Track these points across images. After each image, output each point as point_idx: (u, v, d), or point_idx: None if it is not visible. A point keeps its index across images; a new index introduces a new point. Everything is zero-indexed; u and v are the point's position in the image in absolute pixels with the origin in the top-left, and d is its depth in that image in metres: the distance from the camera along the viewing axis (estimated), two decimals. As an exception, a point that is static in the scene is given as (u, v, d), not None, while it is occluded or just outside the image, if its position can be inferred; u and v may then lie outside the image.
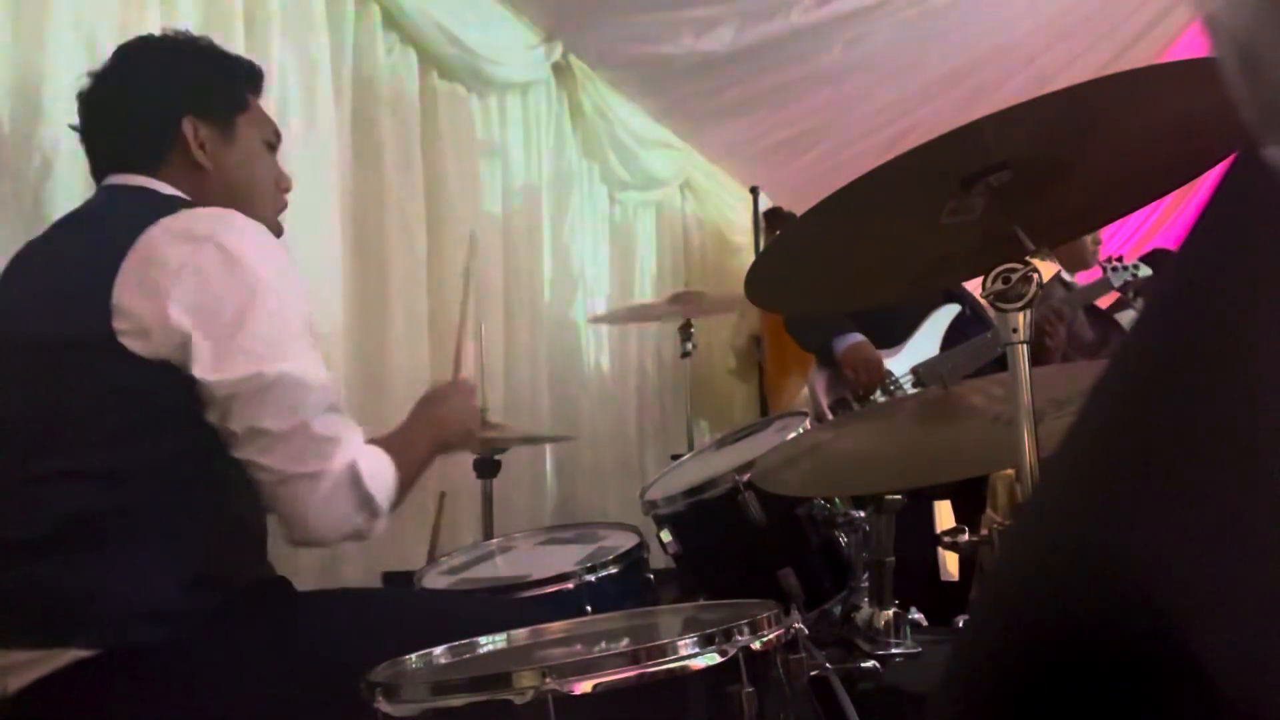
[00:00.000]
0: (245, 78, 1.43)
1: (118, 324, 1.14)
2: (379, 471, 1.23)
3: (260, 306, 1.18)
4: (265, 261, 1.21)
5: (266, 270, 1.20)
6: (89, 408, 1.15)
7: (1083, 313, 3.01)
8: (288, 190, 1.48)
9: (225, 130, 1.37)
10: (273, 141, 1.45)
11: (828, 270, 1.21)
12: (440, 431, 1.45)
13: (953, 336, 2.79)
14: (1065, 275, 3.22)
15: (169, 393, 1.15)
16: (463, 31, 2.59)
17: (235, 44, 1.89)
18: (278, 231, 1.45)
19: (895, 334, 2.78)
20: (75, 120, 1.35)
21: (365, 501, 1.21)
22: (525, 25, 2.95)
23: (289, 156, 2.01)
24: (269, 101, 1.96)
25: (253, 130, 1.41)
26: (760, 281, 1.20)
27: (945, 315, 2.83)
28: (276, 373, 1.17)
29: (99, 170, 1.34)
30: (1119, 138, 1.02)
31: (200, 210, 1.25)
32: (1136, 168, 1.09)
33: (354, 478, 1.20)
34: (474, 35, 2.64)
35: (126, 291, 1.14)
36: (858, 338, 2.71)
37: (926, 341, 2.80)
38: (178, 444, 1.17)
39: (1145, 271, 2.95)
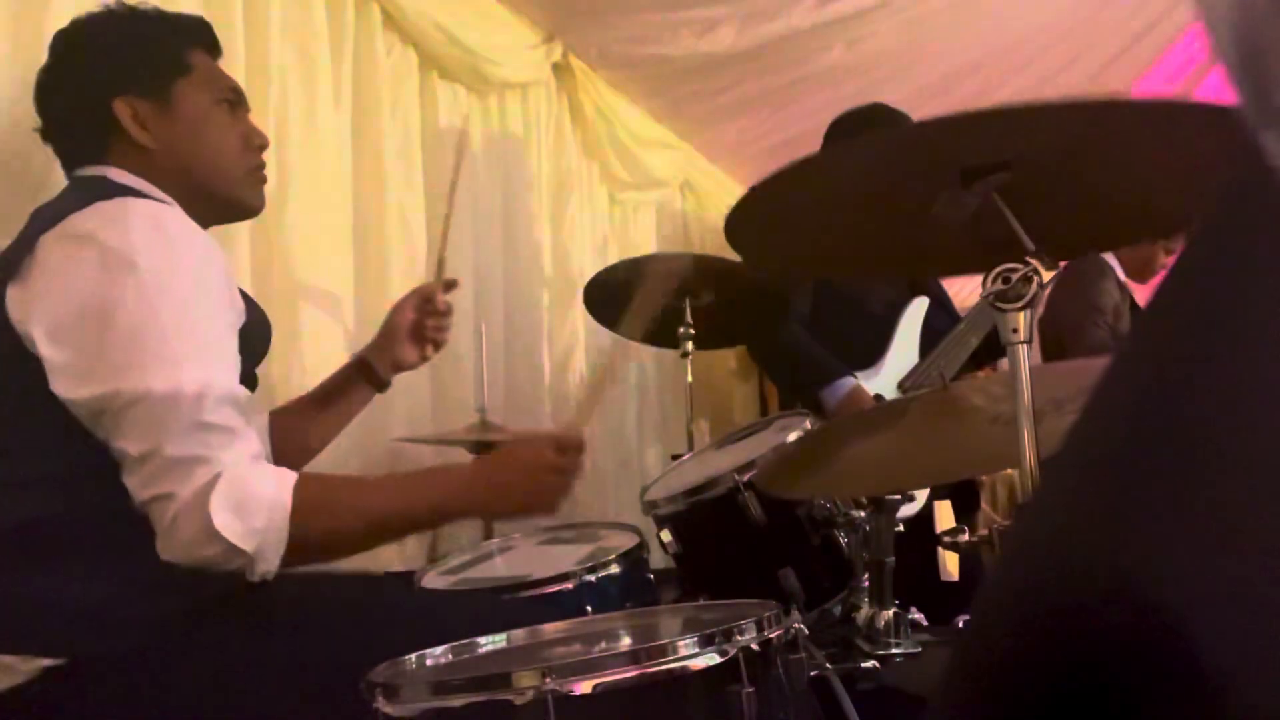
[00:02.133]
0: (185, 37, 1.35)
1: (18, 330, 1.10)
2: (247, 504, 1.08)
3: (131, 311, 1.09)
4: (150, 257, 1.11)
5: (150, 267, 1.11)
6: (24, 414, 1.12)
7: (1130, 312, 2.99)
8: (263, 147, 1.40)
9: (163, 101, 1.30)
10: (229, 99, 1.36)
11: (812, 229, 1.18)
12: (471, 496, 1.28)
13: (929, 333, 2.65)
14: (1122, 277, 3.21)
15: None
16: (463, 31, 2.58)
17: (235, 44, 1.89)
18: (255, 192, 1.38)
19: (871, 345, 2.61)
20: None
21: (211, 536, 1.06)
22: (525, 25, 2.95)
23: (289, 156, 2.02)
24: (268, 101, 1.97)
25: (199, 93, 1.33)
26: (741, 226, 1.14)
27: (916, 313, 2.68)
28: (138, 390, 1.07)
29: (68, 168, 1.33)
30: (1130, 164, 1.01)
31: (99, 205, 1.16)
32: (1146, 200, 1.08)
33: (200, 507, 1.06)
34: (474, 35, 2.64)
35: (12, 300, 1.11)
36: (849, 385, 2.47)
37: (905, 349, 2.66)
38: None
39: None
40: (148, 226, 1.15)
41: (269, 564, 1.11)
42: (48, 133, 1.34)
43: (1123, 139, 0.97)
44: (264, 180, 1.41)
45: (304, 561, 1.18)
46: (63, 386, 1.09)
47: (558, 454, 1.30)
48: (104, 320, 1.09)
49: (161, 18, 1.37)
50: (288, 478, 1.13)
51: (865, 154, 0.99)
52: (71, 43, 1.33)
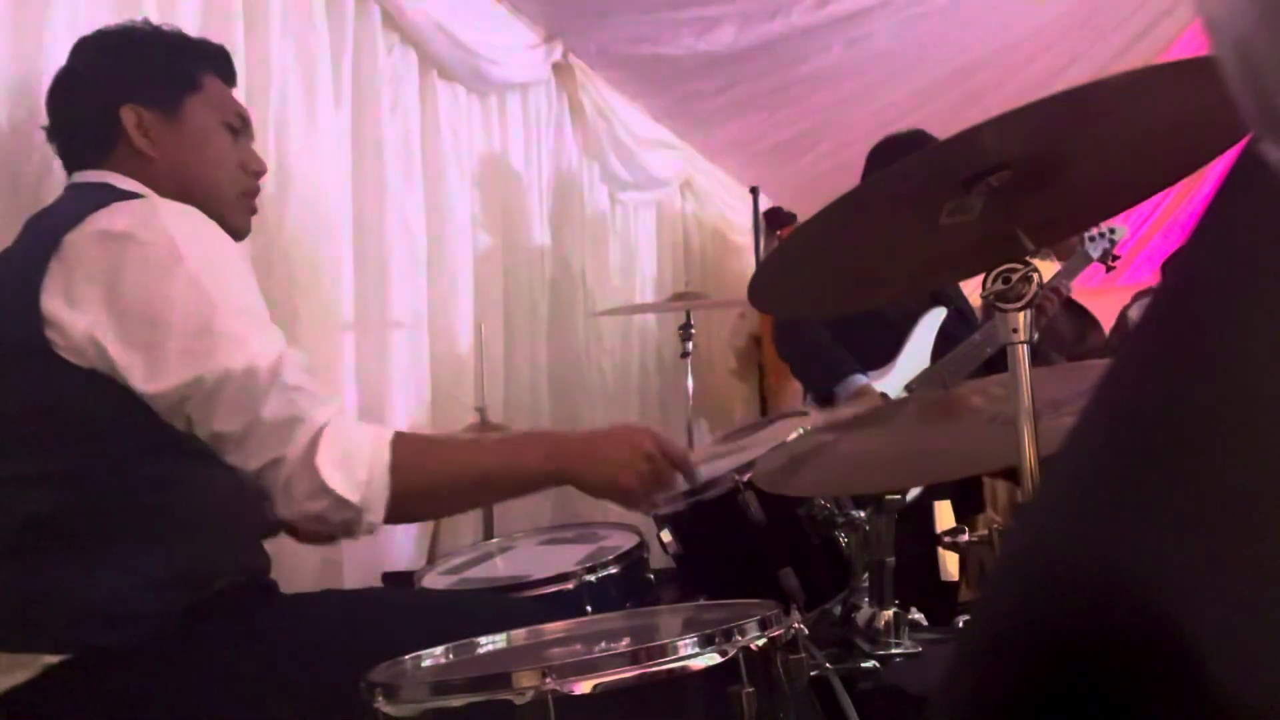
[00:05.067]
0: (202, 60, 1.39)
1: (49, 334, 1.11)
2: (350, 457, 1.15)
3: (188, 301, 1.13)
4: (190, 248, 1.15)
5: (193, 257, 1.15)
6: (35, 413, 1.13)
7: (1061, 308, 2.99)
8: (260, 174, 1.43)
9: (171, 113, 1.33)
10: (234, 124, 1.40)
11: (829, 274, 1.22)
12: (567, 459, 1.28)
13: (943, 342, 2.70)
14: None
15: (113, 398, 1.12)
16: (463, 31, 2.58)
17: (235, 44, 1.89)
18: (245, 217, 1.41)
19: (885, 348, 2.68)
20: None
21: (322, 491, 1.13)
22: (525, 25, 2.95)
23: (289, 156, 2.02)
24: (269, 101, 1.97)
25: (206, 112, 1.36)
26: (763, 287, 1.20)
27: (932, 321, 2.73)
28: (218, 373, 1.12)
29: (68, 168, 1.35)
30: (1117, 136, 1.02)
31: (122, 205, 1.19)
32: (1135, 164, 1.09)
33: (308, 464, 1.13)
34: (474, 35, 2.64)
35: (52, 300, 1.11)
36: (859, 382, 2.58)
37: (917, 354, 2.70)
38: (131, 445, 1.14)
39: (1122, 233, 2.93)
40: (178, 220, 1.18)
41: (375, 515, 1.16)
42: (54, 132, 1.36)
43: (1105, 115, 0.98)
44: (254, 209, 1.44)
45: (408, 516, 1.23)
46: (141, 384, 1.12)
47: (658, 449, 1.30)
48: (166, 316, 1.13)
49: (182, 39, 1.40)
50: (384, 432, 1.19)
51: (868, 193, 1.01)
52: (91, 48, 1.36)
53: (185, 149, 1.34)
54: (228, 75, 1.43)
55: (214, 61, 1.41)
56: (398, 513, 1.19)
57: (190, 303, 1.14)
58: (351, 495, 1.13)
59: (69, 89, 1.35)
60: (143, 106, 1.32)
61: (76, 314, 1.11)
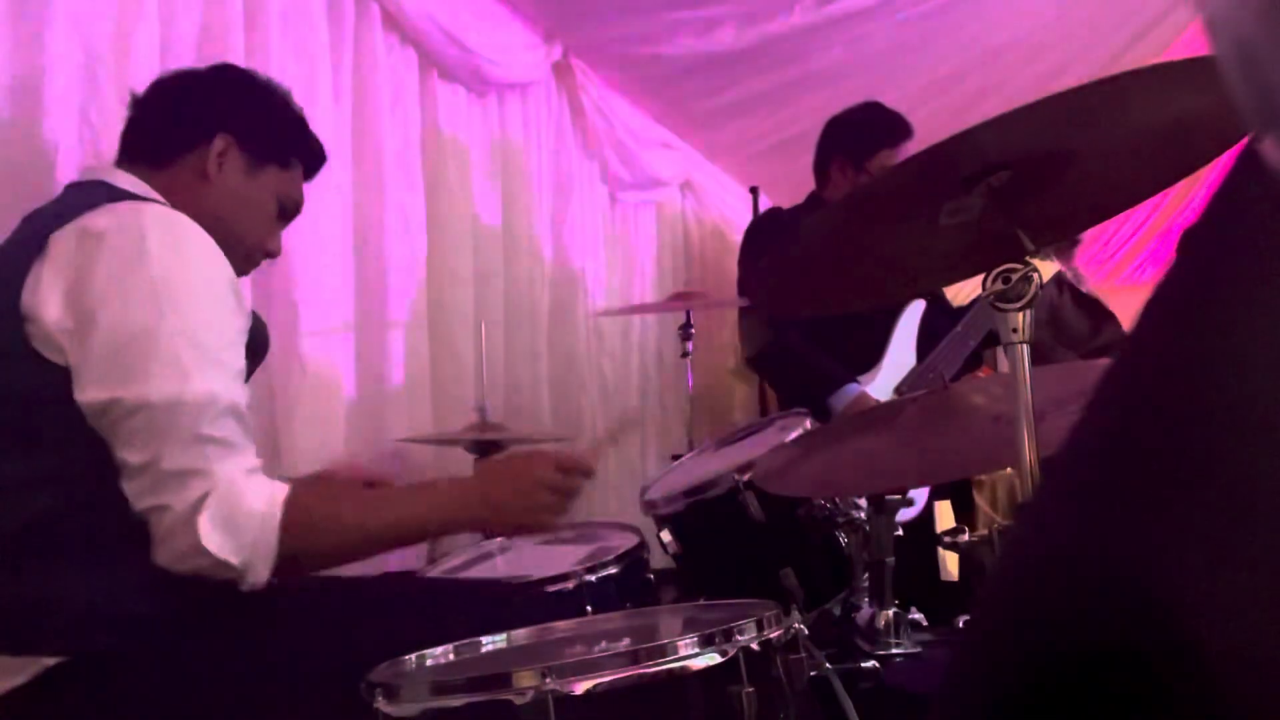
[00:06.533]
0: (302, 150, 1.45)
1: (28, 329, 1.10)
2: (237, 520, 1.08)
3: (137, 311, 1.10)
4: (165, 256, 1.12)
5: (162, 266, 1.11)
6: (27, 415, 1.12)
7: (1072, 303, 2.96)
8: (271, 256, 1.46)
9: (252, 165, 1.37)
10: (287, 206, 1.43)
11: (828, 274, 1.22)
12: (468, 511, 1.28)
13: (925, 336, 2.64)
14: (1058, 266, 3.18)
15: None
16: (463, 31, 2.58)
17: (235, 44, 1.89)
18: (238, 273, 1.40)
19: (869, 349, 2.61)
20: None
21: (200, 551, 1.06)
22: (525, 25, 2.95)
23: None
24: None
25: (274, 185, 1.40)
26: (762, 289, 1.20)
27: (913, 315, 2.67)
28: (136, 400, 1.07)
29: (120, 147, 1.35)
30: (1117, 136, 1.02)
31: (111, 205, 1.16)
32: (1135, 165, 1.09)
33: (189, 523, 1.07)
34: (474, 35, 2.64)
35: (29, 297, 1.10)
36: (853, 392, 2.49)
37: (901, 352, 2.63)
38: None
39: None
40: (161, 230, 1.15)
41: (258, 576, 1.11)
42: (141, 105, 1.37)
43: (1105, 116, 0.98)
44: (245, 273, 1.44)
45: (298, 572, 1.19)
46: (75, 389, 1.10)
47: (559, 473, 1.29)
48: (112, 324, 1.09)
49: (302, 126, 1.47)
50: (279, 493, 1.13)
51: (868, 194, 1.01)
52: (234, 75, 1.44)
53: (237, 197, 1.36)
54: (310, 172, 1.49)
55: (309, 158, 1.47)
56: (286, 571, 1.14)
57: (138, 314, 1.10)
58: (232, 558, 1.08)
59: (190, 87, 1.38)
60: (238, 146, 1.35)
61: (46, 309, 1.10)
